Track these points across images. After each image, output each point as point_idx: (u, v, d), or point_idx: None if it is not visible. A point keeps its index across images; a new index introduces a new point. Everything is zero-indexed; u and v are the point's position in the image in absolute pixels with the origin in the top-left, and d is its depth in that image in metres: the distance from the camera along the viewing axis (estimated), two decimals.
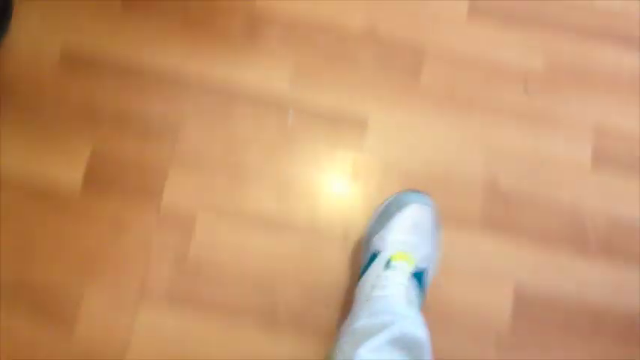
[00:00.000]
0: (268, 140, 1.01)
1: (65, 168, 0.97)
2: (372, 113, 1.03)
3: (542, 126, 1.04)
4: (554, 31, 1.07)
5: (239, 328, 0.94)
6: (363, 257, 0.92)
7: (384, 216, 0.91)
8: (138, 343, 0.93)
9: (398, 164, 1.02)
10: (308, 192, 1.00)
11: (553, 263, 0.99)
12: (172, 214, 0.98)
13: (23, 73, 1.00)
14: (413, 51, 1.06)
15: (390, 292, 0.82)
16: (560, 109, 1.05)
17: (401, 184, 0.98)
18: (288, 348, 0.94)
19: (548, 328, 0.97)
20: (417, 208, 0.90)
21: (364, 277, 0.86)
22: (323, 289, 0.95)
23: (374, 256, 0.87)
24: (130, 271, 0.95)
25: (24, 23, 1.01)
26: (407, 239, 0.87)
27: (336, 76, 1.04)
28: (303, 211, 0.99)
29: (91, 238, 0.96)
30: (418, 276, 0.86)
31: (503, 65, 1.05)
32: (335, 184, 1.01)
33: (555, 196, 1.01)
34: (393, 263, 0.85)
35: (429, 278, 0.89)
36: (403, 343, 0.77)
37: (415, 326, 0.80)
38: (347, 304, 0.93)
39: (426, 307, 0.86)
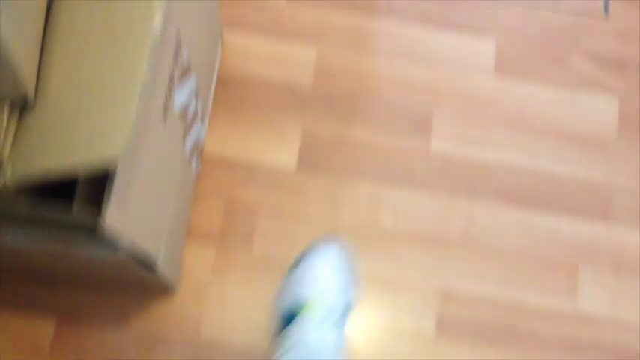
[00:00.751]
0: None
1: (279, 151, 1.02)
2: None
3: None
4: None
5: None
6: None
7: (290, 279, 0.91)
8: None
9: None
10: None
11: None
12: None
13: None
14: None
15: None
16: None
17: None
18: None
19: None
20: (323, 251, 0.91)
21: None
22: None
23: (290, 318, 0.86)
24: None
25: None
26: (323, 285, 0.87)
27: None
28: None
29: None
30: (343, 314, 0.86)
31: None
32: None
33: None
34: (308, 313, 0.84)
35: (347, 315, 0.88)
36: None
37: None
38: None
39: None
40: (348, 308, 0.88)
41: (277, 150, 1.01)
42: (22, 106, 0.56)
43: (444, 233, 0.98)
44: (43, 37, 0.59)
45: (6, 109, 0.55)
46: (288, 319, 0.85)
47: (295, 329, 0.82)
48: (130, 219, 0.63)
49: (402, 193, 1.00)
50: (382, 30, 1.07)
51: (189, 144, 0.87)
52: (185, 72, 0.79)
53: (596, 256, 0.98)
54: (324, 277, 0.87)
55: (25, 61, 0.54)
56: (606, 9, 1.08)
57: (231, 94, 1.03)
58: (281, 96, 1.03)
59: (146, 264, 0.77)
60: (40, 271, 0.88)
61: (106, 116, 0.54)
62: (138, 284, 0.90)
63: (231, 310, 0.94)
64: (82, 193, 0.61)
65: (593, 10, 1.09)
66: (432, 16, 1.07)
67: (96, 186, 0.59)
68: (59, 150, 0.54)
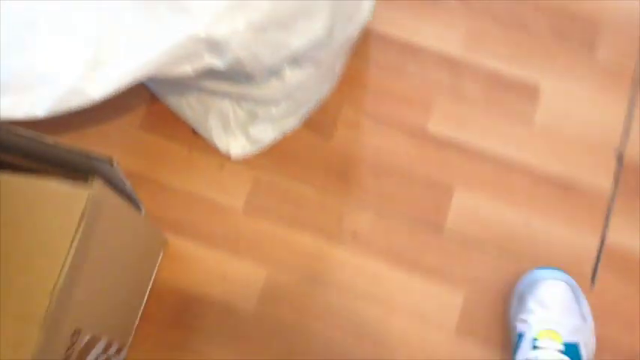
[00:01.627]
0: None
1: None
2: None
3: None
4: None
5: None
6: (512, 341, 0.92)
7: (520, 297, 0.92)
8: None
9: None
10: None
11: None
12: None
13: None
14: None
15: None
16: None
17: None
18: None
19: None
20: (551, 285, 0.90)
21: None
22: None
23: (520, 338, 0.88)
24: None
25: None
26: (548, 317, 0.88)
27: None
28: None
29: None
30: (572, 351, 0.86)
31: None
32: None
33: None
34: (538, 343, 0.86)
35: (587, 351, 0.88)
36: None
37: None
38: None
39: None
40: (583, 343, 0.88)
41: None
42: None
43: None
44: None
45: None
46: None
47: (535, 354, 0.85)
48: None
49: None
50: (344, 260, 0.97)
51: None
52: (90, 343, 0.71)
53: None
54: (562, 307, 0.89)
55: None
56: (593, 281, 0.97)
57: (164, 310, 0.94)
58: (219, 318, 0.94)
59: None
60: None
61: None
62: None
63: None
64: None
65: (579, 277, 0.98)
66: (401, 253, 0.97)
67: None
68: None
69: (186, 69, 0.80)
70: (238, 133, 0.98)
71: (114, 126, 1.00)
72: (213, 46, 0.78)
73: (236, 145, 0.99)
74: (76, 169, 0.66)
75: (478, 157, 1.00)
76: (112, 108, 0.97)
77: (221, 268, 0.96)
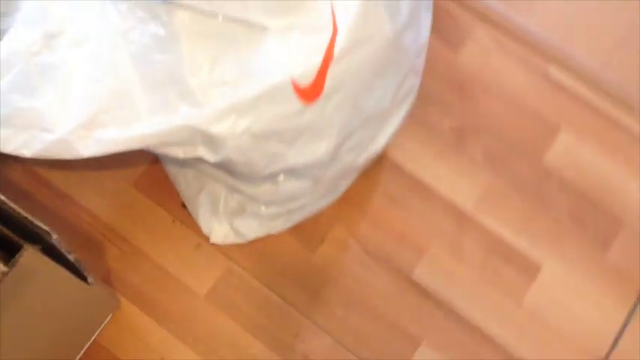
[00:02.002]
0: None
1: None
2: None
3: None
4: None
5: None
6: None
7: None
8: None
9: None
10: None
11: None
12: None
13: None
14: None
15: None
16: None
17: None
18: None
19: None
20: None
21: None
22: None
23: None
24: None
25: None
26: None
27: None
28: None
29: None
30: None
31: None
32: None
33: None
34: None
35: None
36: None
37: None
38: None
39: None
40: None
41: None
42: None
43: None
44: None
45: None
46: None
47: None
48: None
49: None
50: None
51: None
52: None
53: None
54: None
55: None
56: None
57: None
58: None
59: None
60: None
61: None
62: None
63: None
64: None
65: None
66: None
67: None
68: None
69: (178, 153, 0.79)
70: (224, 221, 0.96)
71: (110, 176, 0.99)
72: (209, 140, 0.77)
73: (218, 232, 0.96)
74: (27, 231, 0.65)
75: (455, 320, 0.95)
76: (114, 157, 0.96)
77: (162, 350, 0.93)
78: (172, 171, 0.98)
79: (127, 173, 1.00)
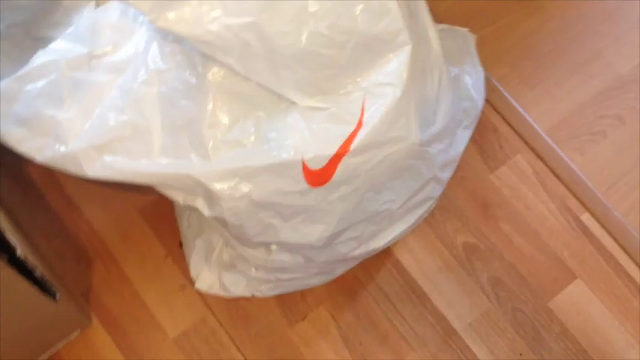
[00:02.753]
0: None
1: None
2: None
3: None
4: None
5: None
6: None
7: None
8: None
9: None
10: None
11: None
12: None
13: None
14: None
15: None
16: None
17: None
18: None
19: None
20: None
21: None
22: None
23: None
24: None
25: None
26: None
27: None
28: None
29: None
30: None
31: None
32: None
33: None
34: None
35: None
36: None
37: None
38: None
39: None
40: None
41: None
42: None
43: None
44: None
45: None
46: None
47: None
48: None
49: None
50: None
51: None
52: None
53: None
54: None
55: None
56: None
57: None
58: None
59: None
60: None
61: None
62: None
63: None
64: None
65: None
66: None
67: None
68: None
69: (179, 198, 0.80)
70: (213, 271, 0.96)
71: (120, 197, 1.01)
72: (208, 195, 0.77)
73: (206, 279, 0.96)
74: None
75: None
76: None
77: None
78: (179, 209, 0.99)
79: (137, 198, 1.01)
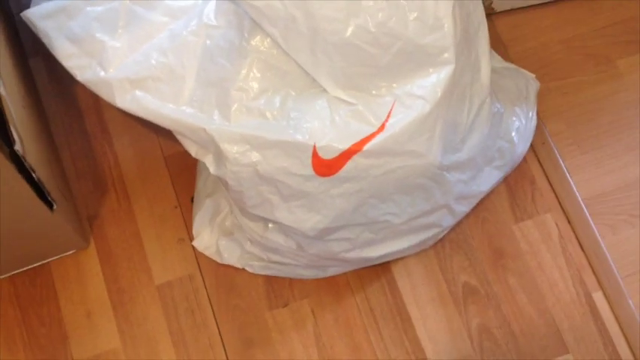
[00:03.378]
0: None
1: None
2: None
3: None
4: None
5: None
6: None
7: None
8: None
9: None
10: None
11: None
12: None
13: None
14: None
15: None
16: None
17: None
18: None
19: None
20: None
21: None
22: None
23: None
24: None
25: None
26: None
27: None
28: None
29: None
30: None
31: None
32: None
33: None
34: None
35: None
36: None
37: None
38: None
39: None
40: None
41: None
42: None
43: None
44: None
45: None
46: None
47: None
48: None
49: None
50: None
51: None
52: None
53: None
54: None
55: None
56: None
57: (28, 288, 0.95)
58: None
59: None
60: None
61: None
62: None
63: None
64: None
65: None
66: None
67: None
68: None
69: (192, 149, 0.81)
70: (214, 234, 0.97)
71: (151, 138, 1.04)
72: (218, 153, 0.78)
73: (204, 240, 0.97)
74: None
75: None
76: None
77: (92, 306, 0.95)
78: (200, 165, 1.00)
79: (166, 144, 1.03)
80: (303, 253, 0.88)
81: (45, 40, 0.84)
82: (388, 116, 0.76)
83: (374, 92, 0.77)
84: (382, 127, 0.75)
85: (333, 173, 0.76)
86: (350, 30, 0.73)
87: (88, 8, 0.84)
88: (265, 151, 0.76)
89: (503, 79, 0.98)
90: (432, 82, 0.75)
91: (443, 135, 0.77)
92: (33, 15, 0.84)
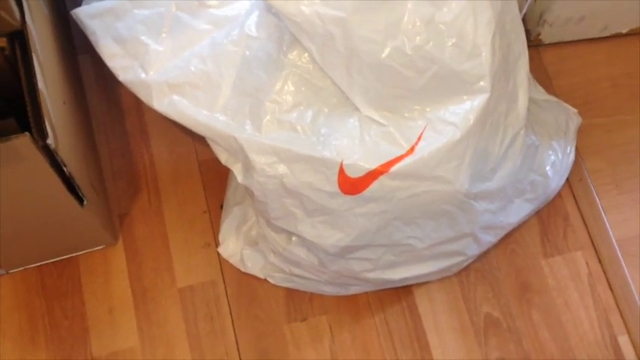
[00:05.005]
0: None
1: None
2: None
3: None
4: None
5: None
6: None
7: None
8: None
9: None
10: None
11: None
12: None
13: None
14: None
15: None
16: None
17: None
18: None
19: None
20: None
21: None
22: None
23: None
24: None
25: None
26: None
27: None
28: None
29: None
30: None
31: None
32: None
33: None
34: None
35: None
36: None
37: None
38: None
39: None
40: None
41: None
42: None
43: None
44: None
45: None
46: None
47: None
48: None
49: None
50: None
51: None
52: None
53: None
54: None
55: None
56: None
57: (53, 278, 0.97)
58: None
59: None
60: None
61: None
62: None
63: None
64: None
65: None
66: None
67: None
68: None
69: (222, 156, 0.83)
70: (239, 242, 0.97)
71: (188, 143, 1.05)
72: (246, 162, 0.79)
73: (229, 247, 0.98)
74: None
75: None
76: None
77: (115, 303, 0.96)
78: (232, 174, 1.01)
79: (201, 150, 1.05)
80: (325, 269, 0.88)
81: (91, 39, 0.87)
82: (418, 140, 0.76)
83: (406, 115, 0.77)
84: (411, 150, 0.75)
85: (358, 192, 0.76)
86: (386, 51, 0.73)
87: (135, 11, 0.86)
88: (293, 164, 0.76)
89: (543, 111, 0.97)
90: (465, 109, 0.75)
91: (472, 163, 0.77)
92: (82, 13, 0.87)
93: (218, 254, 0.99)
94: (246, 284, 0.98)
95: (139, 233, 1.00)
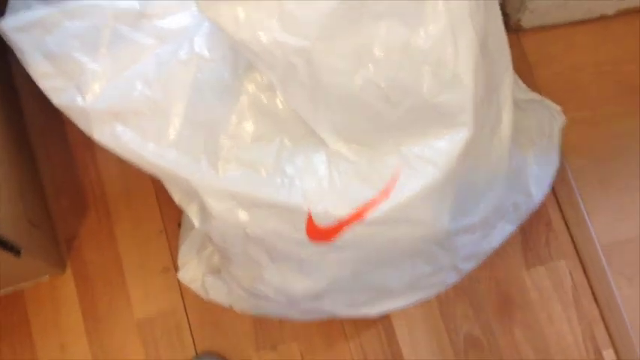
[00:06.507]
0: None
1: None
2: None
3: None
4: None
5: None
6: None
7: None
8: None
9: None
10: None
11: None
12: None
13: None
14: None
15: None
16: None
17: None
18: None
19: None
20: None
21: None
22: None
23: None
24: None
25: None
26: None
27: None
28: None
29: None
30: None
31: None
32: None
33: None
34: None
35: None
36: None
37: None
38: None
39: None
40: None
41: None
42: None
43: None
44: None
45: None
46: None
47: None
48: None
49: None
50: None
51: None
52: None
53: None
54: None
55: None
56: None
57: None
58: None
59: None
60: None
61: None
62: None
63: None
64: None
65: None
66: None
67: None
68: None
69: (175, 196, 0.74)
70: (200, 267, 0.89)
71: None
72: (202, 206, 0.70)
73: (189, 272, 0.90)
74: None
75: None
76: None
77: (67, 336, 0.89)
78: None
79: None
80: (295, 307, 0.81)
81: (18, 55, 0.75)
82: (393, 180, 0.67)
83: (379, 148, 0.68)
84: (386, 193, 0.67)
85: (328, 240, 0.69)
86: (355, 82, 0.64)
87: (68, 23, 0.75)
88: (255, 210, 0.68)
89: (526, 117, 0.89)
90: (444, 146, 0.66)
91: (454, 202, 0.69)
92: (6, 25, 0.75)
93: (178, 280, 0.91)
94: (210, 312, 0.91)
95: (88, 258, 0.92)
